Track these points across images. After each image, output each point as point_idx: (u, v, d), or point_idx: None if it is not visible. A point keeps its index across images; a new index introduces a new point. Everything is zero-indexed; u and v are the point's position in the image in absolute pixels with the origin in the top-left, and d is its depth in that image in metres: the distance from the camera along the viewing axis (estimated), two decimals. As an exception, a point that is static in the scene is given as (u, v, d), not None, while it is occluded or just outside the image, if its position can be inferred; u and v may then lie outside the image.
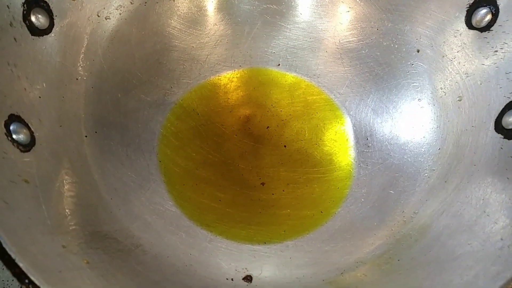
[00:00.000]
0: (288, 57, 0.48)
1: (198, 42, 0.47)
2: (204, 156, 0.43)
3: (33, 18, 0.35)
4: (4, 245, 0.25)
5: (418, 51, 0.43)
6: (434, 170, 0.40)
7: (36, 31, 0.35)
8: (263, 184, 0.42)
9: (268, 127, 0.45)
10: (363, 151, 0.43)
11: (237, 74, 0.47)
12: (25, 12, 0.34)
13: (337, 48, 0.47)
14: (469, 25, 0.39)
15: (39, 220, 0.29)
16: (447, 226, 0.35)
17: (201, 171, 0.42)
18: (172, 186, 0.41)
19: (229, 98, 0.46)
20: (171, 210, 0.40)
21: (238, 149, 0.44)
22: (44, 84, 0.36)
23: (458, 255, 0.32)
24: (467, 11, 0.39)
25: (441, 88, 0.42)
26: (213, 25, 0.47)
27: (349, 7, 0.46)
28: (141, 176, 0.40)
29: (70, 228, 0.31)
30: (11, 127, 0.31)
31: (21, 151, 0.31)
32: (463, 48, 0.40)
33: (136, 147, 0.42)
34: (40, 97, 0.35)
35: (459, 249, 0.32)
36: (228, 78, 0.47)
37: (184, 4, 0.46)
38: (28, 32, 0.35)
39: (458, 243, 0.33)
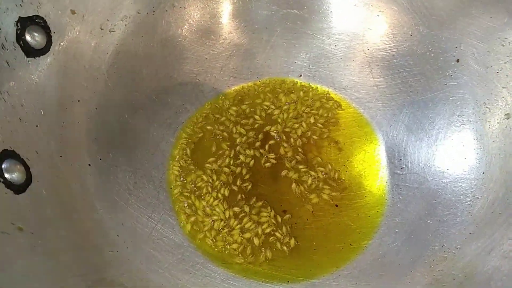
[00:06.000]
0: (311, 67, 0.43)
1: (211, 52, 0.42)
2: (218, 179, 0.39)
3: (28, 38, 0.32)
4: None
5: (458, 60, 0.39)
6: (478, 198, 0.36)
7: (32, 52, 0.32)
8: (284, 211, 0.38)
9: (288, 144, 0.41)
10: (397, 173, 0.39)
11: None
12: (18, 31, 0.31)
13: (366, 56, 0.42)
14: (520, 32, 0.35)
15: (35, 275, 0.26)
16: (497, 269, 0.31)
17: (215, 196, 0.38)
18: (183, 215, 0.37)
19: (246, 113, 0.42)
20: (183, 244, 0.36)
21: (257, 170, 0.39)
22: (42, 111, 0.32)
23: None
24: (517, 16, 0.35)
25: (485, 104, 0.37)
26: (228, 34, 0.43)
27: (380, 11, 0.41)
28: (150, 205, 0.37)
29: (72, 280, 0.28)
30: (4, 165, 0.28)
31: (15, 192, 0.28)
32: (511, 59, 0.36)
33: (145, 172, 0.38)
34: (37, 126, 0.32)
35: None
36: (245, 91, 0.43)
37: (196, 11, 0.42)
38: (22, 53, 0.31)
39: (512, 292, 0.29)
